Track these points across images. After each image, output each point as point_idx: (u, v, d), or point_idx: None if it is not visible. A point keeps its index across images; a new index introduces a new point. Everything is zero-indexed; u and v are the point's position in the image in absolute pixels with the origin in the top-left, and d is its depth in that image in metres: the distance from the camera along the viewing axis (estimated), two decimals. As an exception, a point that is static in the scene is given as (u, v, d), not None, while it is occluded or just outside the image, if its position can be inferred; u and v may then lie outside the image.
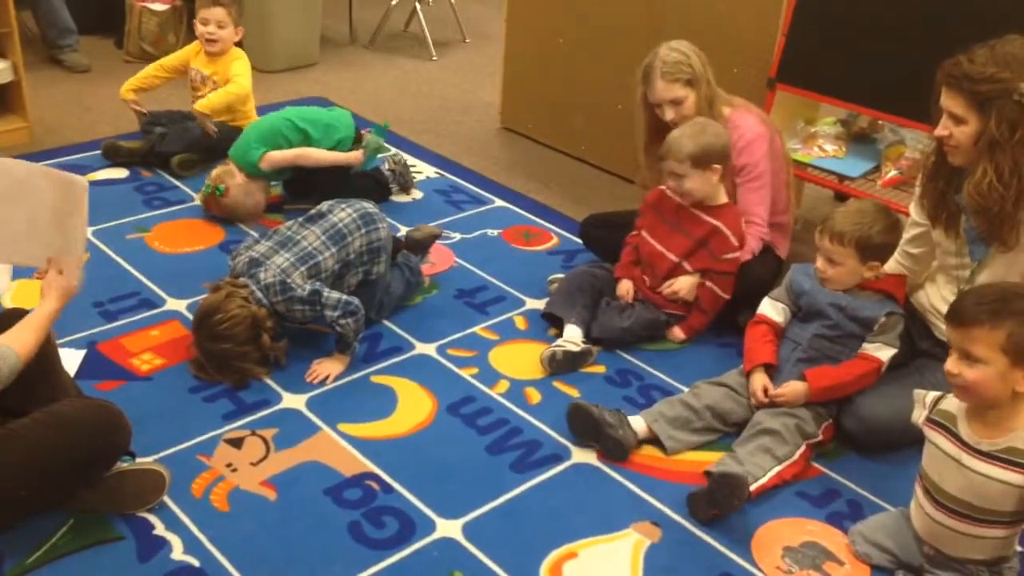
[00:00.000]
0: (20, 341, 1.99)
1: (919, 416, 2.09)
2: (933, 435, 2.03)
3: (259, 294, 2.64)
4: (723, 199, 2.87)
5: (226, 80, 3.90)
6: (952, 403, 2.02)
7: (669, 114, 2.91)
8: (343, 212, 2.87)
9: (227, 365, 2.63)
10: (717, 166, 2.78)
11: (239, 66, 3.92)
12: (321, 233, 2.80)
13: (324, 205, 2.92)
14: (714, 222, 2.84)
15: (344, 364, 2.73)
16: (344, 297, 2.67)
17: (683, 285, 2.87)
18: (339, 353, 2.73)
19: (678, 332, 2.96)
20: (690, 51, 2.90)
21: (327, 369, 2.71)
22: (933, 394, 2.08)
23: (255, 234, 3.41)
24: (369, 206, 2.94)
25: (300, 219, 2.89)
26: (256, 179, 3.54)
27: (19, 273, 3.08)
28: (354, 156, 3.68)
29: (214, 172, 3.49)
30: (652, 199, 2.99)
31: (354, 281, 2.87)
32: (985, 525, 1.97)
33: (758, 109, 3.05)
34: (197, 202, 3.65)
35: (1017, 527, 1.98)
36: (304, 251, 2.75)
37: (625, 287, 2.96)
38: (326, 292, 2.66)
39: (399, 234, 3.28)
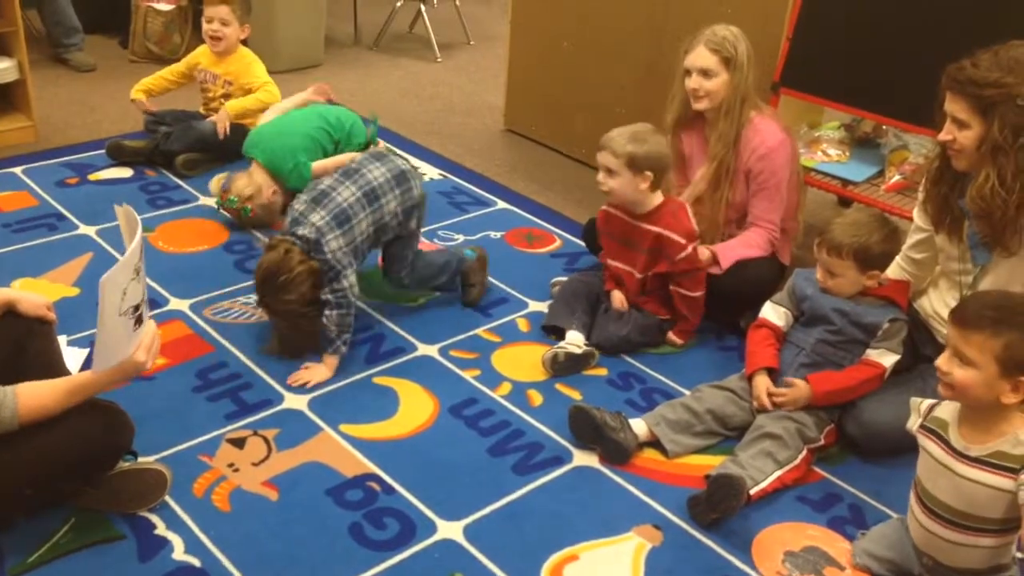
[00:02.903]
0: (34, 398, 1.89)
1: (914, 423, 2.09)
2: (925, 442, 2.03)
3: (302, 245, 2.66)
4: (656, 201, 2.83)
5: (241, 81, 3.91)
6: (945, 410, 2.02)
7: (694, 83, 2.91)
8: (377, 171, 2.82)
9: (296, 324, 2.69)
10: (649, 174, 2.76)
11: (261, 71, 3.95)
12: (357, 190, 2.76)
13: (355, 161, 2.88)
14: (655, 229, 2.81)
15: (331, 370, 2.72)
16: (348, 290, 2.68)
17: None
18: (327, 355, 2.72)
19: (674, 338, 2.96)
20: (741, 38, 2.90)
21: (308, 376, 2.70)
22: (928, 402, 2.08)
23: (263, 236, 3.43)
24: (402, 163, 2.89)
25: (336, 174, 2.83)
26: (288, 192, 3.52)
27: (18, 274, 3.09)
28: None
29: (245, 192, 3.41)
30: (600, 224, 2.99)
31: (387, 239, 2.87)
32: (975, 533, 1.96)
33: (779, 117, 3.06)
34: (202, 202, 3.65)
35: (1008, 536, 1.97)
36: (339, 208, 2.71)
37: (618, 298, 2.96)
38: (343, 274, 2.67)
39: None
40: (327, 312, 2.67)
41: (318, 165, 3.52)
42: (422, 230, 3.01)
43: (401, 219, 2.85)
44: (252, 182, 3.44)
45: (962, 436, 1.96)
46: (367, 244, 2.80)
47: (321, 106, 3.80)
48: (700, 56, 2.90)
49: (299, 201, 2.78)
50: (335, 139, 3.61)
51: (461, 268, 3.09)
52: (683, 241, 2.80)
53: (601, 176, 2.80)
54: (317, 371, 2.71)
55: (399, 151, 4.20)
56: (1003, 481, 1.89)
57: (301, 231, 2.67)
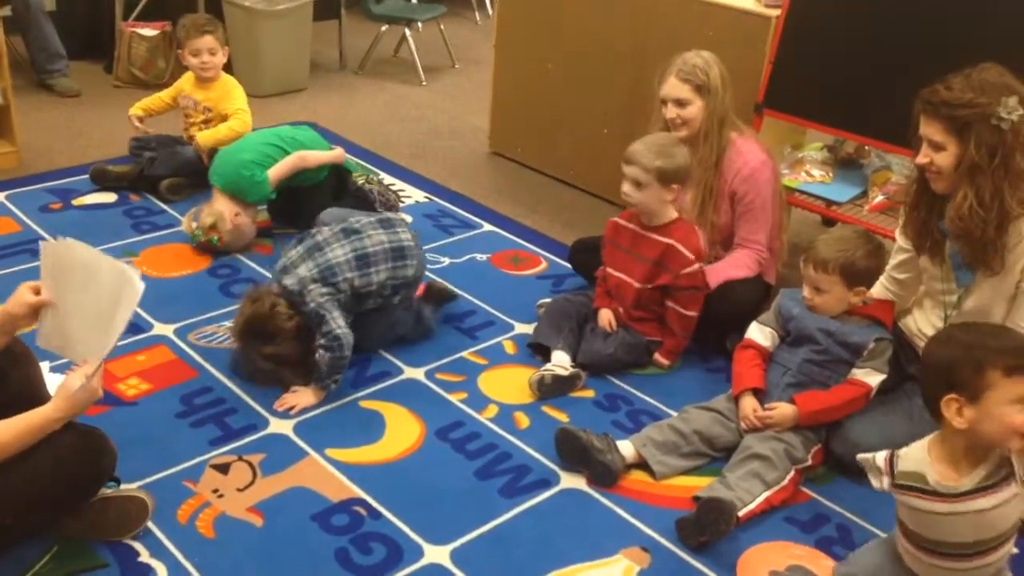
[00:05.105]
0: None
1: (883, 484, 1.96)
2: (908, 499, 1.94)
3: (290, 298, 2.69)
4: (672, 216, 2.86)
5: (220, 108, 3.91)
6: (910, 460, 1.94)
7: (671, 112, 2.94)
8: (377, 237, 2.82)
9: (273, 378, 2.72)
10: (675, 187, 2.79)
11: (239, 97, 3.94)
12: (350, 252, 2.77)
13: (359, 222, 2.87)
14: (666, 240, 2.83)
15: (317, 398, 2.70)
16: (337, 332, 2.64)
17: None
18: (315, 385, 2.71)
19: (661, 359, 2.96)
20: (713, 63, 2.93)
21: (295, 400, 2.68)
22: (880, 457, 1.97)
23: (247, 261, 3.42)
24: (406, 238, 2.88)
25: (337, 228, 2.84)
26: (248, 208, 3.53)
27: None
28: (338, 154, 3.72)
29: (206, 221, 3.41)
30: (608, 233, 2.99)
31: (372, 306, 2.84)
32: (992, 552, 1.94)
33: (759, 139, 3.08)
34: (182, 229, 3.64)
35: (1008, 544, 1.96)
36: (327, 264, 2.73)
37: (606, 317, 2.95)
38: (329, 316, 2.65)
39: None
40: (319, 352, 2.66)
41: (273, 171, 3.51)
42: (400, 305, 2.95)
43: (387, 293, 2.83)
44: (212, 211, 3.43)
45: (946, 479, 1.89)
46: (348, 303, 2.75)
47: (281, 127, 3.80)
48: (672, 87, 2.93)
49: (293, 248, 2.81)
50: (287, 153, 3.59)
51: (423, 313, 3.03)
52: (691, 256, 2.81)
53: (628, 188, 2.80)
54: (304, 396, 2.70)
55: (385, 175, 4.21)
56: (1005, 493, 1.88)
57: (287, 281, 2.70)
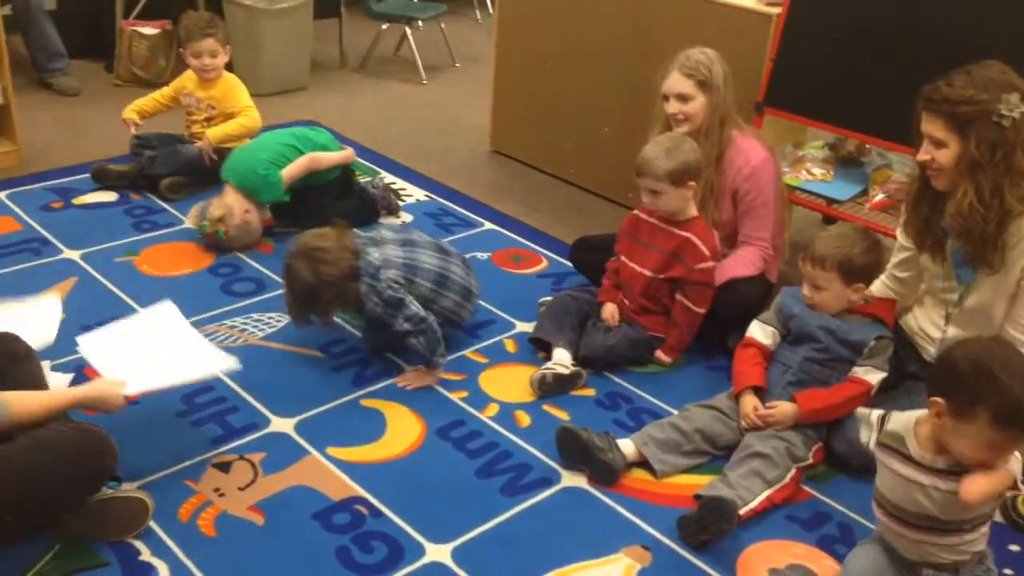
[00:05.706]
0: (23, 406, 1.99)
1: (870, 439, 2.04)
2: (888, 459, 2.00)
3: (362, 263, 2.72)
4: (693, 212, 2.87)
5: (224, 106, 3.92)
6: (898, 423, 2.00)
7: (673, 107, 2.94)
8: (458, 270, 2.93)
9: (300, 293, 2.74)
10: (692, 183, 2.80)
11: (244, 95, 3.96)
12: (437, 266, 2.86)
13: (447, 247, 3.00)
14: (684, 234, 2.84)
15: (433, 378, 2.79)
16: (421, 313, 2.72)
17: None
18: (424, 367, 2.79)
19: (662, 356, 2.95)
20: (716, 60, 2.94)
21: (409, 380, 2.79)
22: (876, 413, 2.05)
23: (248, 260, 3.41)
24: (475, 285, 3.00)
25: (433, 239, 2.99)
26: (259, 208, 3.53)
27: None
28: (348, 153, 3.75)
29: (215, 213, 3.42)
30: (627, 226, 3.00)
31: None
32: (972, 530, 1.97)
33: (761, 136, 3.08)
34: (186, 225, 3.64)
35: (984, 526, 1.98)
36: (415, 264, 2.81)
37: (610, 310, 2.96)
38: (408, 300, 2.72)
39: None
40: (413, 340, 2.73)
41: (286, 172, 3.52)
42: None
43: (440, 321, 2.86)
44: (222, 204, 3.44)
45: (924, 449, 1.93)
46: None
47: (295, 127, 3.81)
48: (675, 81, 2.93)
49: (389, 231, 2.91)
50: (302, 153, 3.60)
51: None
52: (707, 253, 2.82)
53: (647, 199, 2.82)
54: (419, 377, 2.79)
55: (385, 173, 4.22)
56: None
57: (371, 251, 2.75)
